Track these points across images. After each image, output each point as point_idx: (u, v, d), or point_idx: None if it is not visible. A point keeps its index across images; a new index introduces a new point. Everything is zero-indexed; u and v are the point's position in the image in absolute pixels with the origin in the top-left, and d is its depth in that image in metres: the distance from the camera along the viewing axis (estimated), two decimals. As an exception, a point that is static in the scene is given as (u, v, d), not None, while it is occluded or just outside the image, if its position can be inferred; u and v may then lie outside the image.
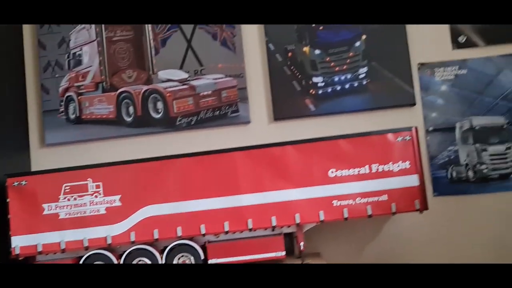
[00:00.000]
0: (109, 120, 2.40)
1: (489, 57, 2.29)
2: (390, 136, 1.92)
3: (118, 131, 2.39)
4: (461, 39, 2.32)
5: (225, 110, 2.36)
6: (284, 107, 2.33)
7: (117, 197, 1.97)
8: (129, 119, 2.39)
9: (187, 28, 2.41)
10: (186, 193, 1.96)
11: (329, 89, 2.33)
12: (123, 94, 2.40)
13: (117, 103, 2.40)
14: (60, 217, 1.98)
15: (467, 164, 2.26)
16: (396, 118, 2.29)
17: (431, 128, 2.28)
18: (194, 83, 2.37)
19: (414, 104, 2.29)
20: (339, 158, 1.92)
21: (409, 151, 1.91)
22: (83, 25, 2.44)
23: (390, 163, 1.91)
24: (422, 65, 2.32)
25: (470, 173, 2.25)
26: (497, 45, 2.30)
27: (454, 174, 2.26)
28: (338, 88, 2.32)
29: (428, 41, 2.34)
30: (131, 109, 2.39)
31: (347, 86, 2.32)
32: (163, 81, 2.39)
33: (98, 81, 2.42)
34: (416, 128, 1.95)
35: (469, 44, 2.32)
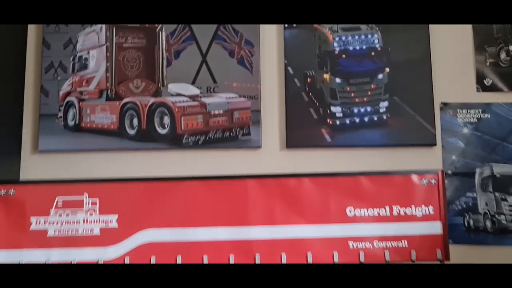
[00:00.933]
0: (110, 131, 2.24)
1: (514, 103, 2.21)
2: (414, 177, 1.81)
3: (119, 144, 2.22)
4: (487, 81, 2.24)
5: (236, 132, 2.22)
6: (298, 135, 2.21)
7: (114, 217, 1.81)
8: (132, 132, 2.23)
9: (204, 41, 2.28)
10: (190, 219, 1.81)
11: (348, 121, 2.21)
12: (128, 105, 2.24)
13: (121, 113, 2.24)
14: (48, 234, 1.80)
15: (485, 213, 2.15)
16: (415, 157, 2.18)
17: (450, 172, 2.18)
18: (206, 100, 2.23)
19: (434, 145, 2.19)
20: (358, 196, 1.80)
21: (434, 195, 1.80)
22: (92, 28, 2.30)
23: (413, 206, 1.79)
24: (444, 105, 2.23)
25: (488, 223, 2.14)
26: (522, 92, 2.23)
27: (472, 222, 2.15)
28: (357, 120, 2.21)
29: (452, 81, 2.25)
30: (135, 121, 2.23)
31: (366, 119, 2.21)
32: (172, 95, 2.24)
33: (103, 88, 2.26)
34: (442, 172, 1.84)
35: (494, 88, 2.24)
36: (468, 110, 2.22)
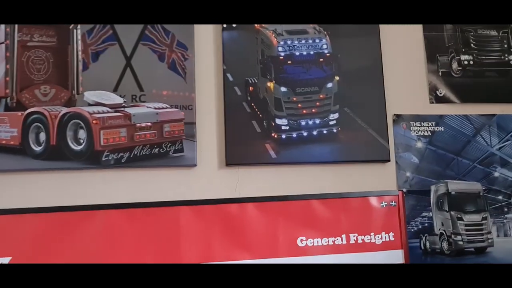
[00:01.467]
0: (9, 148, 1.83)
1: (467, 116, 2.08)
2: (372, 200, 1.60)
3: (20, 163, 1.82)
4: (440, 92, 2.09)
5: (167, 148, 1.90)
6: (239, 151, 1.92)
7: (5, 260, 1.41)
8: (38, 149, 1.83)
9: (128, 42, 1.94)
10: (107, 258, 1.45)
11: (294, 134, 1.96)
12: (34, 116, 1.85)
13: (24, 126, 1.84)
14: None
15: (441, 234, 1.99)
16: (368, 174, 1.98)
17: (404, 190, 1.99)
18: (130, 110, 1.88)
19: (388, 161, 2.00)
20: (311, 224, 1.55)
21: (394, 220, 1.60)
22: (-12, 22, 1.88)
23: (372, 233, 1.57)
24: (397, 117, 2.05)
25: (445, 245, 1.97)
26: (473, 104, 2.11)
27: (428, 244, 1.97)
28: (305, 134, 1.97)
29: (405, 91, 2.09)
30: (42, 135, 1.84)
31: (315, 132, 1.97)
32: (89, 104, 1.87)
33: (1, 95, 1.85)
34: (402, 193, 1.63)
35: (447, 99, 2.10)
36: (422, 123, 2.06)
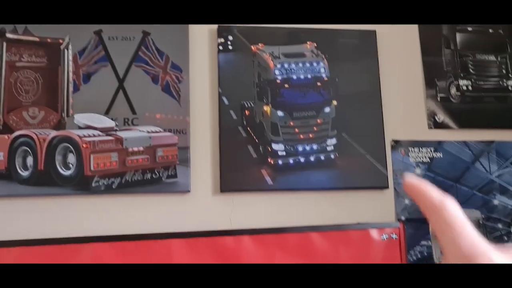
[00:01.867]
0: (-5, 172, 1.75)
1: (466, 142, 2.05)
2: (373, 232, 1.54)
3: (6, 189, 1.74)
4: (438, 118, 2.06)
5: (160, 173, 1.83)
6: (234, 177, 1.86)
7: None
8: (24, 174, 1.76)
9: (121, 63, 1.88)
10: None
11: (291, 160, 1.91)
12: (21, 139, 1.78)
13: (11, 150, 1.77)
14: None
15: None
16: (366, 201, 1.93)
17: (403, 218, 1.94)
18: (122, 134, 1.82)
19: (386, 187, 1.95)
20: (309, 258, 1.48)
21: (395, 253, 1.54)
22: (-24, 41, 1.82)
23: (372, 267, 1.51)
24: (396, 143, 2.01)
25: (444, 275, 1.92)
26: (472, 129, 2.08)
27: (427, 274, 1.91)
28: (302, 159, 1.92)
29: (403, 116, 2.05)
30: (29, 160, 1.77)
31: (312, 158, 1.92)
32: (80, 128, 1.81)
33: (-13, 117, 1.78)
34: (403, 224, 1.59)
35: (445, 125, 2.07)
36: (420, 149, 2.02)
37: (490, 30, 2.18)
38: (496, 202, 2.02)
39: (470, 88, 2.10)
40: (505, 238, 2.00)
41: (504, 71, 2.14)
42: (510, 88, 2.13)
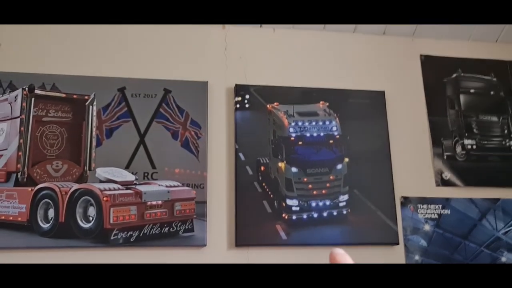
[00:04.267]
0: (17, 224, 1.79)
1: (472, 199, 2.12)
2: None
3: (27, 241, 1.77)
4: (445, 176, 2.14)
5: (177, 227, 1.87)
6: (249, 231, 1.91)
7: None
8: (45, 226, 1.80)
9: (143, 119, 1.97)
10: None
11: (305, 215, 1.96)
12: (43, 192, 1.83)
13: (33, 202, 1.81)
14: None
15: (452, 321, 1.96)
16: (377, 257, 1.97)
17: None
18: (142, 188, 1.88)
19: (397, 244, 2.00)
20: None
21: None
22: (4, 96, 1.90)
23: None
24: (405, 199, 2.08)
25: (456, 333, 1.94)
26: (477, 187, 2.16)
27: (439, 332, 1.93)
28: (315, 215, 1.97)
29: (411, 174, 2.13)
30: (51, 212, 1.81)
31: (325, 214, 1.98)
32: (101, 181, 1.87)
33: (12, 170, 1.83)
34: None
35: (452, 182, 2.14)
36: (429, 206, 2.09)
37: (492, 92, 2.30)
38: (504, 259, 2.06)
39: (474, 147, 2.19)
40: (514, 295, 2.03)
41: (506, 131, 2.24)
42: (512, 148, 2.22)
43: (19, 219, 1.79)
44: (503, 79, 2.32)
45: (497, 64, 2.34)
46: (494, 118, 2.26)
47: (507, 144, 2.23)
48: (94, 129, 1.92)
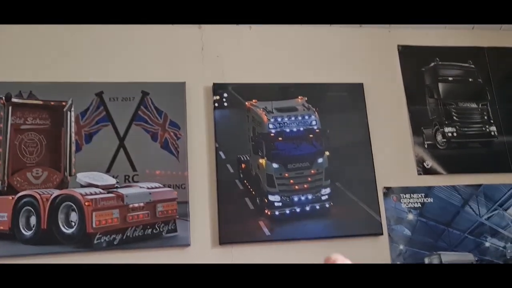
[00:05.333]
0: (-1, 233, 1.79)
1: (454, 186, 2.13)
2: (370, 281, 1.58)
3: (10, 249, 1.78)
4: (427, 164, 2.15)
5: (160, 228, 1.88)
6: (233, 229, 1.92)
7: None
8: (28, 234, 1.80)
9: (121, 122, 1.97)
10: None
11: (287, 210, 1.97)
12: (25, 199, 1.83)
13: (15, 210, 1.82)
14: None
15: (438, 308, 1.97)
16: (361, 248, 1.98)
17: (398, 263, 1.99)
18: (123, 191, 1.88)
19: (381, 234, 2.01)
20: (309, 308, 1.52)
21: (392, 301, 1.57)
22: (-18, 106, 1.90)
23: (370, 316, 1.55)
24: (387, 190, 2.09)
25: (442, 319, 1.95)
26: (460, 174, 2.17)
27: (426, 320, 1.94)
28: (298, 209, 1.98)
29: (393, 164, 2.14)
30: (33, 219, 1.82)
31: (308, 208, 1.99)
32: (82, 186, 1.87)
33: (-8, 179, 1.84)
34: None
35: (434, 171, 2.15)
36: (411, 195, 2.10)
37: (470, 79, 2.31)
38: (487, 244, 2.08)
39: (455, 134, 2.21)
40: (499, 280, 2.04)
41: (486, 118, 2.26)
42: (492, 133, 2.23)
43: (1, 227, 1.80)
44: (481, 66, 2.34)
45: (475, 51, 2.35)
46: (473, 105, 2.27)
47: (487, 130, 2.24)
48: (73, 134, 1.93)
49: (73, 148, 1.91)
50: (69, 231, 1.82)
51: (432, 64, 2.30)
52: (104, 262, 1.81)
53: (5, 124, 1.88)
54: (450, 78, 2.29)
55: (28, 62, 1.99)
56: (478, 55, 2.35)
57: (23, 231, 1.80)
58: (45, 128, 1.92)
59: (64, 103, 1.95)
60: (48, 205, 1.82)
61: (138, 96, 2.01)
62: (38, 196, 1.83)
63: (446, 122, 2.22)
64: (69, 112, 1.95)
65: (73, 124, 1.94)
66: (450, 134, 2.21)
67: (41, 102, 1.94)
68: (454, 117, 2.23)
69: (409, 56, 2.29)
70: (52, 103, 1.94)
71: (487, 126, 2.25)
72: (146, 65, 2.07)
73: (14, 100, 1.91)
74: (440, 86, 2.27)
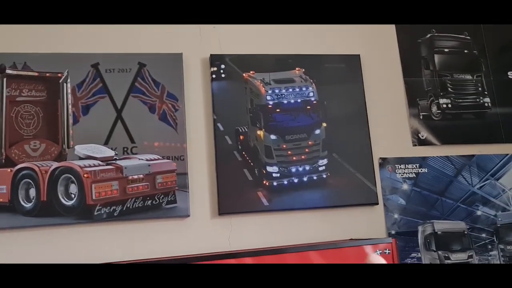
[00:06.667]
0: (-1, 205, 1.80)
1: (448, 157, 2.17)
2: (367, 248, 1.63)
3: (10, 221, 1.78)
4: (422, 135, 2.18)
5: (159, 199, 1.90)
6: (231, 200, 1.94)
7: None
8: (28, 206, 1.81)
9: (118, 94, 1.96)
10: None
11: (285, 181, 2.00)
12: (23, 172, 1.83)
13: (14, 183, 1.81)
14: None
15: (431, 274, 2.04)
16: (357, 217, 2.03)
17: (393, 232, 2.05)
18: (122, 163, 1.88)
19: (376, 204, 2.05)
20: (309, 275, 1.56)
21: (389, 267, 1.62)
22: (-24, 78, 1.87)
23: (368, 282, 1.60)
24: (383, 160, 2.12)
25: (435, 285, 2.02)
26: (453, 145, 2.21)
27: None
28: (296, 180, 2.01)
29: (389, 135, 2.16)
30: (32, 191, 1.82)
31: (305, 178, 2.01)
32: (80, 158, 1.87)
33: (-11, 152, 1.83)
34: (395, 240, 1.68)
35: (428, 142, 2.18)
36: (406, 165, 2.13)
37: (465, 51, 2.32)
38: (479, 213, 2.14)
39: (449, 106, 2.23)
40: (489, 246, 2.11)
41: (480, 89, 2.28)
42: (486, 104, 2.26)
43: (1, 200, 1.80)
44: (476, 38, 2.35)
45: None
46: (468, 77, 2.30)
47: (481, 101, 2.27)
48: (69, 106, 1.91)
49: (71, 120, 1.90)
50: (69, 203, 1.82)
51: (429, 35, 2.31)
52: (105, 233, 1.84)
53: (0, 95, 1.85)
54: (446, 50, 2.31)
55: (21, 33, 1.95)
56: (474, 27, 2.35)
57: (23, 203, 1.80)
58: (42, 100, 1.90)
59: (60, 75, 1.92)
60: (47, 177, 1.82)
61: (134, 67, 1.99)
62: (36, 169, 1.82)
63: (441, 94, 2.24)
64: (65, 84, 1.92)
65: (69, 96, 1.92)
66: (444, 106, 2.23)
67: (36, 74, 1.91)
68: (449, 89, 2.26)
69: (406, 28, 2.29)
70: (48, 74, 1.92)
71: (481, 98, 2.28)
72: (143, 36, 2.05)
73: (8, 71, 1.88)
74: (436, 57, 2.28)
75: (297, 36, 2.18)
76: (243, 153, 2.00)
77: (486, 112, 2.26)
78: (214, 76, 2.04)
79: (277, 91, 2.05)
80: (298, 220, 1.98)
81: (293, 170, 2.01)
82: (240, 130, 2.01)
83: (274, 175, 1.99)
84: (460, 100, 2.25)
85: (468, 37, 2.34)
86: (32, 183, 1.82)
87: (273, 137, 2.01)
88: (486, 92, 2.28)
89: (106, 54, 1.97)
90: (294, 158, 2.02)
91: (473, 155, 2.19)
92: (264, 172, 1.98)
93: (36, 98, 1.90)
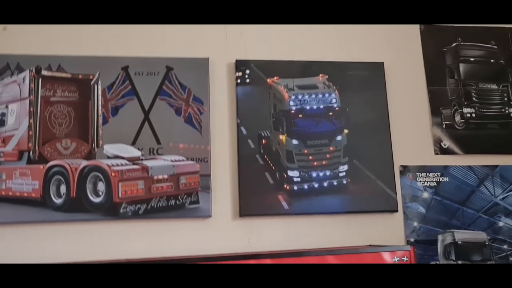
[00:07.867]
0: (31, 200, 1.88)
1: (470, 166, 2.16)
2: (385, 255, 1.65)
3: (41, 215, 1.87)
4: (444, 144, 2.18)
5: (183, 199, 1.96)
6: (252, 202, 1.98)
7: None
8: (58, 201, 1.89)
9: (146, 96, 2.03)
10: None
11: (306, 186, 2.03)
12: (55, 169, 1.91)
13: (45, 179, 1.90)
14: None
15: (449, 284, 2.03)
16: (377, 224, 2.05)
17: (412, 239, 2.05)
18: (148, 163, 1.95)
19: (396, 211, 2.06)
20: (326, 279, 1.59)
21: (406, 275, 1.63)
22: (13, 78, 1.97)
23: (385, 289, 1.62)
24: (404, 168, 2.13)
25: (453, 294, 2.02)
26: (476, 155, 2.20)
27: (437, 294, 2.01)
28: (316, 185, 2.04)
29: (410, 143, 2.17)
30: (63, 188, 1.90)
31: (325, 184, 2.04)
32: (109, 157, 1.94)
33: (24, 149, 1.92)
34: (413, 248, 1.70)
35: (451, 151, 2.18)
36: (427, 174, 2.14)
37: (492, 60, 2.31)
38: (501, 224, 2.12)
39: (473, 115, 2.22)
40: (510, 258, 2.09)
41: (506, 99, 2.26)
42: (511, 115, 2.24)
43: (33, 195, 1.89)
44: (503, 47, 2.33)
45: (498, 32, 2.34)
46: (494, 86, 2.28)
47: (507, 111, 2.25)
48: (100, 107, 1.99)
49: (100, 120, 1.98)
50: (97, 200, 1.90)
51: (454, 44, 2.30)
52: (130, 230, 1.91)
53: (35, 96, 1.95)
54: (472, 59, 2.30)
55: (57, 36, 2.04)
56: (501, 36, 2.34)
57: (53, 198, 1.89)
58: (74, 100, 1.99)
59: (91, 77, 2.01)
60: (77, 175, 1.90)
61: (162, 71, 2.06)
62: (67, 166, 1.91)
63: (465, 103, 2.23)
64: (96, 85, 2.01)
65: (100, 97, 2.00)
66: (468, 115, 2.22)
67: (69, 75, 2.00)
68: (474, 98, 2.25)
69: (431, 36, 2.29)
70: (80, 76, 2.00)
71: (506, 108, 2.26)
72: (171, 41, 2.11)
73: (43, 73, 1.97)
74: (461, 66, 2.28)
75: (321, 43, 2.21)
76: (265, 157, 2.04)
77: (511, 122, 2.24)
78: (239, 81, 2.09)
79: (300, 97, 2.09)
80: (317, 224, 2.01)
81: (314, 175, 2.04)
82: (263, 134, 2.06)
83: (295, 179, 2.02)
84: (485, 110, 2.24)
85: (495, 46, 2.33)
86: (63, 179, 1.90)
87: (295, 142, 2.05)
88: (511, 102, 2.26)
89: (136, 58, 2.04)
90: (315, 163, 2.05)
91: (496, 166, 2.18)
92: (285, 176, 2.02)
93: (69, 98, 1.98)
